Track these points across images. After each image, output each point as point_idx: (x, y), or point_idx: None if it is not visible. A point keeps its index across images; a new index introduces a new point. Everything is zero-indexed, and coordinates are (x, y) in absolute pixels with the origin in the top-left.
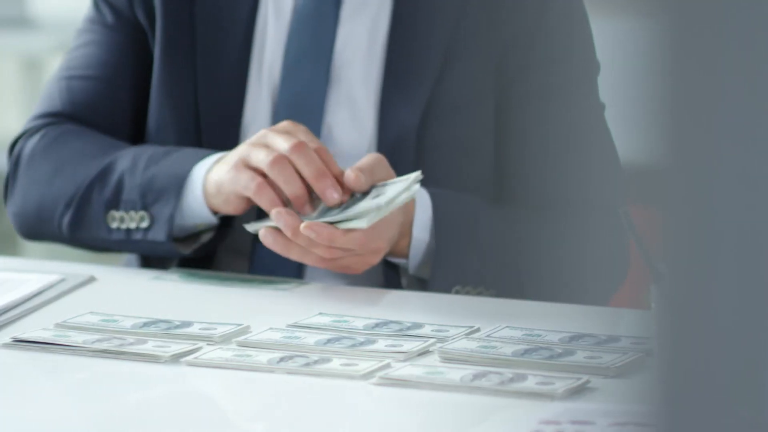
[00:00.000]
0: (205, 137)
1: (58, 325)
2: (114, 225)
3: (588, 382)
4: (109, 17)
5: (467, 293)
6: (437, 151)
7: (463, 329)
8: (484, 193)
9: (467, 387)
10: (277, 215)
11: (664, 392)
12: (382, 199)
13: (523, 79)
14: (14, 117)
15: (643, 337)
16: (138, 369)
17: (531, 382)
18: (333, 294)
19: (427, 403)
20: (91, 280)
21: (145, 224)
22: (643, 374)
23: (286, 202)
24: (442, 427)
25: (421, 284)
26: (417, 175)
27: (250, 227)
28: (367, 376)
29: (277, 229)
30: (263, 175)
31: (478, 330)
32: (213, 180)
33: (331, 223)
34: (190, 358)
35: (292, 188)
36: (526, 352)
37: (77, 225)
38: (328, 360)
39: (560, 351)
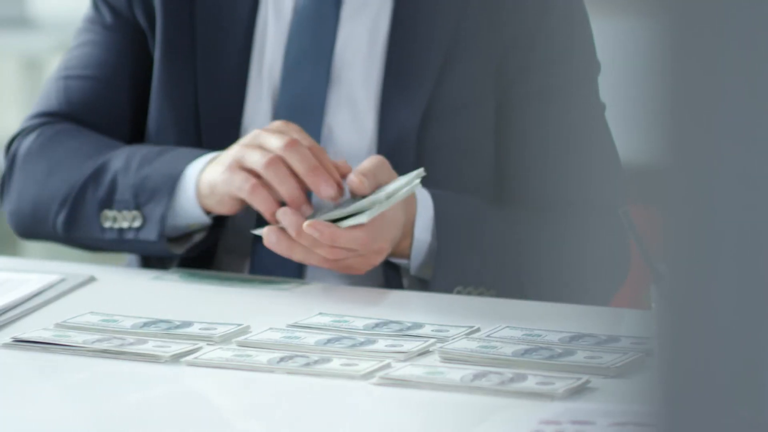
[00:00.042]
0: (205, 138)
1: (59, 325)
2: (107, 224)
3: (588, 382)
4: (108, 17)
5: (468, 293)
6: (437, 152)
7: (464, 329)
8: (484, 194)
9: (467, 387)
10: (282, 214)
11: (665, 392)
12: (382, 194)
13: (523, 80)
14: (14, 117)
15: (643, 337)
16: (138, 369)
17: (531, 382)
18: (333, 294)
19: (428, 403)
20: (91, 280)
21: (137, 224)
22: (643, 374)
23: (281, 203)
24: (442, 427)
25: (423, 285)
26: (419, 171)
27: (258, 231)
28: (368, 376)
29: (280, 230)
30: (257, 176)
31: (478, 330)
32: (206, 180)
33: (334, 221)
34: (190, 358)
35: (287, 188)
36: (526, 352)
37: (71, 224)
38: (329, 360)
39: (560, 351)
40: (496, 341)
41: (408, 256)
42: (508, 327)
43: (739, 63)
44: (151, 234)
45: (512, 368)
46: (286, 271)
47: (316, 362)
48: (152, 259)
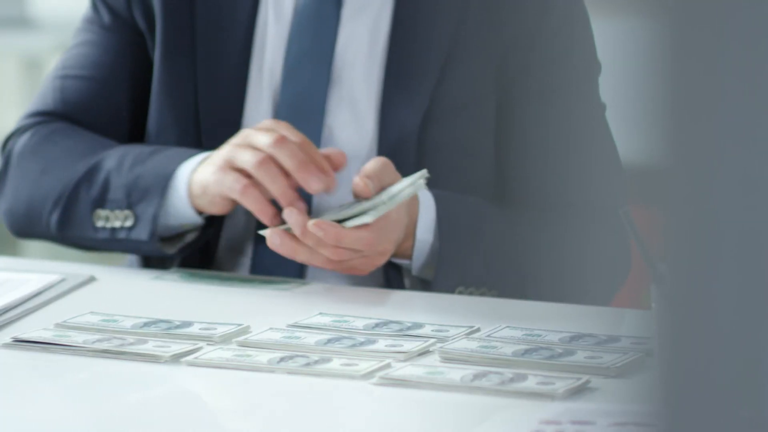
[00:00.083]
0: (206, 138)
1: (59, 325)
2: (99, 224)
3: (588, 382)
4: (106, 18)
5: (470, 294)
6: (438, 153)
7: (464, 329)
8: (484, 194)
9: (467, 387)
10: (288, 214)
11: (665, 392)
12: (385, 195)
13: (523, 80)
14: (14, 117)
15: (643, 337)
16: (138, 369)
17: (531, 382)
18: (333, 294)
19: (428, 403)
20: (91, 280)
21: (129, 223)
22: (644, 374)
23: (273, 202)
24: (442, 427)
25: (424, 285)
26: (423, 172)
27: (263, 232)
28: (368, 376)
29: (284, 232)
30: (249, 176)
31: (478, 330)
32: (198, 181)
33: (338, 222)
34: (190, 358)
35: (277, 187)
36: (526, 352)
37: (65, 223)
38: (329, 360)
39: (560, 351)
40: (497, 341)
41: (410, 257)
42: (508, 327)
43: (740, 63)
44: (142, 234)
45: (512, 368)
46: (287, 271)
47: (316, 362)
48: (153, 259)
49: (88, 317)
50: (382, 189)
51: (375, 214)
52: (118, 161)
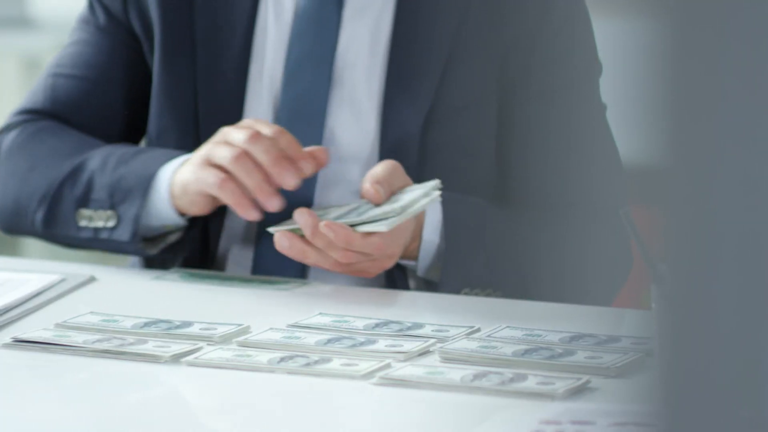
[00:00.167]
0: (205, 141)
1: (59, 325)
2: (83, 223)
3: (588, 382)
4: (101, 19)
5: (476, 295)
6: (439, 153)
7: (464, 329)
8: (485, 195)
9: (467, 387)
10: (299, 214)
11: (665, 392)
12: (401, 204)
13: (524, 81)
14: None
15: (643, 337)
16: (138, 369)
17: (531, 382)
18: (333, 294)
19: (428, 403)
20: (92, 280)
21: (111, 223)
22: (644, 374)
23: (251, 197)
24: (442, 427)
25: (429, 286)
26: (436, 183)
27: (272, 229)
28: (368, 376)
29: (292, 234)
30: (227, 172)
31: (478, 330)
32: (179, 181)
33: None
34: (190, 358)
35: (253, 181)
36: (526, 352)
37: (49, 222)
38: (329, 360)
39: (561, 351)
40: (497, 341)
41: (416, 258)
42: (508, 327)
43: (740, 63)
44: (124, 234)
45: (512, 368)
46: (288, 272)
47: (316, 362)
48: (155, 260)
49: (88, 317)
50: (392, 193)
51: (389, 224)
52: (102, 161)
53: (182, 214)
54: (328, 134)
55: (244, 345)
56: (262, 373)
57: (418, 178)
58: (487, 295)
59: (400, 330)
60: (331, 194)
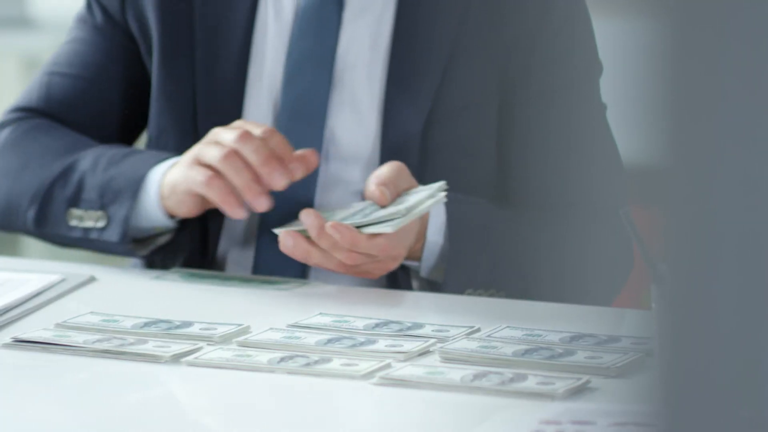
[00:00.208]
0: None
1: (59, 325)
2: (73, 223)
3: (588, 382)
4: (99, 18)
5: (479, 295)
6: (440, 154)
7: (464, 329)
8: (486, 195)
9: (468, 387)
10: (306, 215)
11: (665, 392)
12: (406, 205)
13: (525, 81)
14: None
15: (643, 337)
16: (138, 369)
17: (531, 382)
18: (333, 294)
19: (428, 403)
20: (92, 280)
21: (101, 224)
22: (644, 374)
23: (239, 196)
24: (442, 427)
25: (432, 287)
26: (441, 184)
27: (278, 230)
28: (368, 376)
29: (297, 234)
30: (216, 172)
31: (478, 330)
32: (168, 181)
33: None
34: (190, 358)
35: (242, 179)
36: (526, 352)
37: (41, 221)
38: (329, 360)
39: (561, 351)
40: (497, 341)
41: (419, 259)
42: (508, 327)
43: (740, 63)
44: (113, 235)
45: (512, 368)
46: (289, 272)
47: (316, 362)
48: (155, 261)
49: (88, 317)
50: (397, 195)
51: (396, 225)
52: (93, 161)
53: (172, 216)
54: (328, 135)
55: (244, 345)
56: (262, 373)
57: (418, 178)
58: (490, 295)
59: (400, 330)
60: (332, 195)
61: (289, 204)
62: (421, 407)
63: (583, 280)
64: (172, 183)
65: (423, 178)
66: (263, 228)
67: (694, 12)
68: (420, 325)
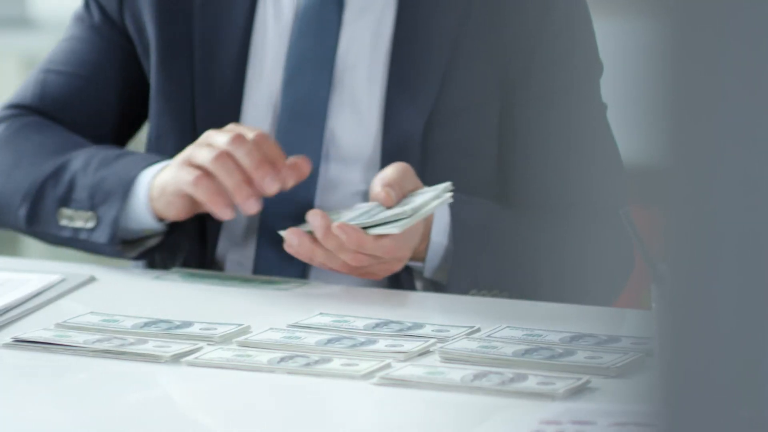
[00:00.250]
0: None
1: (59, 325)
2: (63, 222)
3: (589, 382)
4: (96, 17)
5: (483, 296)
6: (441, 154)
7: (464, 329)
8: (487, 196)
9: (468, 387)
10: (312, 215)
11: (665, 392)
12: (412, 206)
13: (525, 82)
14: None
15: (643, 337)
16: (138, 369)
17: (532, 382)
18: (333, 294)
19: (428, 403)
20: (92, 280)
21: (91, 224)
22: (644, 374)
23: (227, 197)
24: (442, 428)
25: (436, 288)
26: (447, 185)
27: (283, 232)
28: (368, 376)
29: (302, 233)
30: (207, 173)
31: (478, 330)
32: (158, 183)
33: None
34: (190, 358)
35: (233, 180)
36: (526, 352)
37: (32, 219)
38: (329, 360)
39: (561, 351)
40: (497, 341)
41: (423, 259)
42: (508, 327)
43: (740, 63)
44: (102, 236)
45: (513, 368)
46: (289, 272)
47: (316, 362)
48: (156, 261)
49: (88, 317)
50: (403, 196)
51: (401, 226)
52: (84, 162)
53: (161, 219)
54: (328, 135)
55: (244, 345)
56: (262, 373)
57: (420, 179)
58: (494, 295)
59: (401, 330)
60: (332, 195)
61: (289, 205)
62: (421, 407)
63: (585, 280)
64: (161, 184)
65: (424, 179)
66: (263, 228)
67: (694, 12)
68: (420, 325)
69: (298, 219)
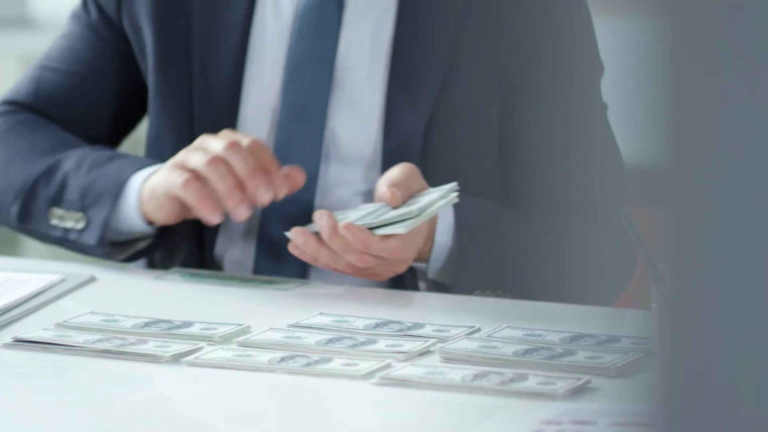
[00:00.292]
0: None
1: (59, 325)
2: (54, 222)
3: (589, 382)
4: (94, 16)
5: (487, 296)
6: (442, 155)
7: (464, 329)
8: (488, 196)
9: (468, 387)
10: (319, 216)
11: (665, 392)
12: (418, 205)
13: (526, 83)
14: None
15: (643, 337)
16: (139, 369)
17: (532, 382)
18: (334, 294)
19: (428, 403)
20: (92, 280)
21: (80, 225)
22: (644, 374)
23: (217, 201)
24: (442, 427)
25: (440, 289)
26: (453, 185)
27: (288, 234)
28: (368, 376)
29: (307, 233)
30: (198, 176)
31: (478, 330)
32: (148, 185)
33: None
34: (190, 358)
35: (225, 185)
36: (526, 352)
37: (24, 217)
38: (329, 360)
39: (561, 351)
40: (497, 341)
41: (427, 260)
42: (508, 327)
43: (741, 64)
44: (91, 238)
45: (513, 368)
46: (289, 273)
47: (316, 362)
48: (156, 261)
49: (88, 317)
50: (409, 197)
51: (408, 226)
52: (77, 162)
53: (151, 223)
54: (328, 136)
55: (244, 345)
56: (263, 373)
57: None
58: (498, 296)
59: (401, 330)
60: (332, 196)
61: (289, 205)
62: (421, 407)
63: (589, 280)
64: (152, 187)
65: (425, 180)
66: (263, 229)
67: (694, 12)
68: (420, 325)
69: (298, 219)
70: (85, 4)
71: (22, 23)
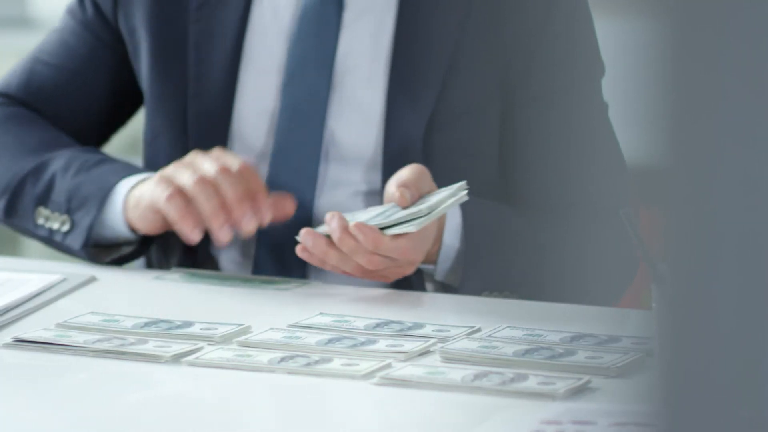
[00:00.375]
0: (192, 146)
1: (59, 325)
2: (40, 221)
3: (589, 382)
4: (90, 13)
5: (494, 297)
6: (443, 156)
7: (464, 329)
8: (490, 197)
9: (468, 387)
10: (330, 216)
11: (665, 392)
12: (428, 204)
13: (526, 83)
14: None
15: (643, 337)
16: (139, 369)
17: (532, 382)
18: (334, 294)
19: (428, 403)
20: (92, 280)
21: (65, 228)
22: (644, 374)
23: (198, 219)
24: (442, 427)
25: (446, 290)
26: (462, 184)
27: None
28: (368, 376)
29: (316, 235)
30: (184, 194)
31: (479, 330)
32: (134, 194)
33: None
34: (191, 358)
35: (211, 205)
36: (527, 352)
37: (10, 213)
38: (329, 360)
39: (561, 351)
40: (497, 341)
41: (434, 262)
42: (508, 327)
43: (741, 63)
44: (75, 242)
45: (513, 368)
46: (289, 273)
47: (316, 362)
48: (156, 261)
49: (88, 317)
50: (419, 197)
51: (418, 224)
52: (65, 164)
53: (135, 230)
54: (328, 136)
55: (244, 345)
56: (263, 373)
57: None
58: (505, 296)
59: (401, 330)
60: (332, 196)
61: None
62: (421, 407)
63: (590, 280)
64: (137, 196)
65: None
66: (263, 229)
67: (694, 12)
68: (420, 325)
69: (298, 220)
70: (81, 0)
71: (22, 23)
